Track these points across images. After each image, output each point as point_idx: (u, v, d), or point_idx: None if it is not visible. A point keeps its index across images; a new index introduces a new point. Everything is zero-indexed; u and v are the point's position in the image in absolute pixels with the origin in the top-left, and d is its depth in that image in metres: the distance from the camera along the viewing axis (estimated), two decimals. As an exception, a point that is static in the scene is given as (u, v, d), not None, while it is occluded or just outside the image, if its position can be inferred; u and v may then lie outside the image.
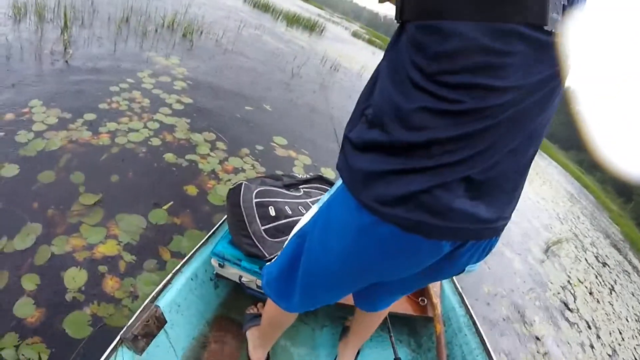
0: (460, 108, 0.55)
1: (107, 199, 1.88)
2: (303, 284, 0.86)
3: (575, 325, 3.49)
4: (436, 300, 1.51)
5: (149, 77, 3.25)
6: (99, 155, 2.16)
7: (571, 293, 4.17)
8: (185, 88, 3.34)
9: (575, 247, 6.17)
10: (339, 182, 0.76)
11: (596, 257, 6.76)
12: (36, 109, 2.34)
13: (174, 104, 2.96)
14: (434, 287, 1.56)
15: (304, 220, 0.90)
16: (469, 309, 1.50)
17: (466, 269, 0.74)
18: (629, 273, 7.96)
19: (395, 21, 0.64)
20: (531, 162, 0.69)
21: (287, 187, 1.49)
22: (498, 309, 2.80)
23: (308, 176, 1.59)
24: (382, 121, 0.62)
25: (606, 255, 7.63)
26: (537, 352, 2.69)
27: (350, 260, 0.71)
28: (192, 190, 2.20)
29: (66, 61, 3.10)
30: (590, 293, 4.64)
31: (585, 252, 6.42)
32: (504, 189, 0.64)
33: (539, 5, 0.53)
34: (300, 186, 1.53)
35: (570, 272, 4.76)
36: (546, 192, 9.22)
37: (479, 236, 0.66)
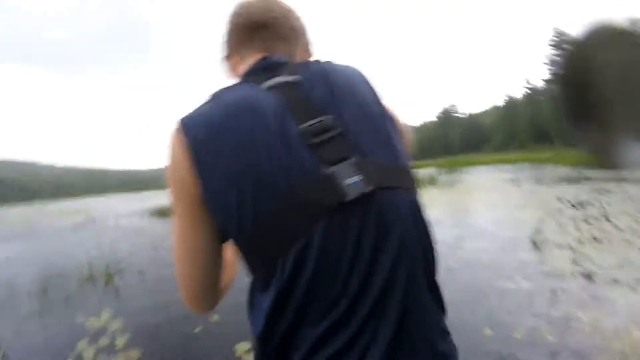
0: None
1: None
2: None
3: (610, 283, 3.35)
4: None
5: (88, 348, 2.93)
6: None
7: (585, 257, 4.09)
8: (128, 342, 3.02)
9: (551, 216, 6.27)
10: None
11: (572, 206, 6.95)
12: None
13: (125, 366, 2.64)
14: None
15: None
16: None
17: None
18: (604, 189, 8.23)
19: None
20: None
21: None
22: (537, 343, 2.58)
23: None
24: None
25: (577, 196, 7.89)
26: (605, 336, 2.47)
27: None
28: None
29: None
30: (596, 240, 4.62)
31: (561, 213, 6.56)
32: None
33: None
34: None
35: (568, 242, 4.72)
36: (494, 198, 9.53)
37: None
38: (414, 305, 0.57)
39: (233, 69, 0.79)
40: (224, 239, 0.64)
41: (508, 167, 19.60)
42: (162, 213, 11.79)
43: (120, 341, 3.03)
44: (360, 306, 0.54)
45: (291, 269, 0.54)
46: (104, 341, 3.04)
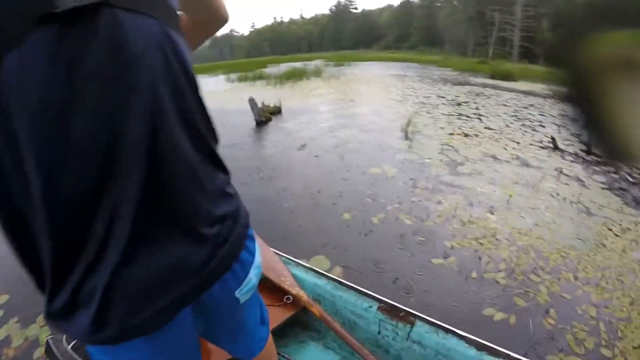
0: None
1: None
2: None
3: (473, 174, 3.63)
4: (295, 289, 1.43)
5: None
6: None
7: (453, 149, 4.39)
8: None
9: (428, 112, 6.62)
10: None
11: (450, 104, 7.42)
12: None
13: None
14: (287, 280, 1.47)
15: None
16: (324, 274, 1.47)
17: (238, 295, 0.63)
18: (482, 93, 9.02)
19: None
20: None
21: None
22: (394, 227, 2.66)
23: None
24: None
25: (456, 96, 8.49)
26: (463, 222, 2.67)
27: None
28: None
29: None
30: (466, 135, 4.98)
31: (438, 108, 7.00)
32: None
33: None
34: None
35: (438, 136, 5.01)
36: (376, 91, 9.78)
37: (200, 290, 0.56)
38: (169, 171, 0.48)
39: None
40: None
41: (397, 65, 20.45)
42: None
43: None
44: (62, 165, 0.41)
45: None
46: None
